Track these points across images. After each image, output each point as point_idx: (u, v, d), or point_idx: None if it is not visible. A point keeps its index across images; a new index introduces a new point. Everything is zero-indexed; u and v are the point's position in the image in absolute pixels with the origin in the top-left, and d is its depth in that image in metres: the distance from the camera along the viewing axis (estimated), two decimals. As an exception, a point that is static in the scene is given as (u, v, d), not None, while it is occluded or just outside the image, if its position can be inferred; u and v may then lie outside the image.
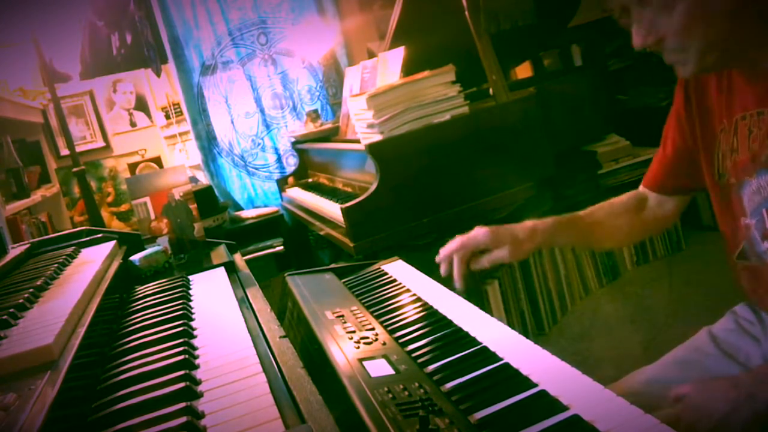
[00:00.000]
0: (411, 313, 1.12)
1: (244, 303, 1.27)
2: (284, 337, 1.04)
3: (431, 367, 0.90)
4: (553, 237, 1.16)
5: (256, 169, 3.66)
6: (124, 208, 3.81)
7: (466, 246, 1.13)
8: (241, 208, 3.58)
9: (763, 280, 1.02)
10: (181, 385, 0.85)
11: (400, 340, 1.01)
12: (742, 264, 1.04)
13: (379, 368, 0.90)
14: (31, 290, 1.13)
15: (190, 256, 1.78)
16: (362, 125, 2.17)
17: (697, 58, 0.90)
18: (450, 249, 1.15)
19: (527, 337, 0.95)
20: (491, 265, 1.13)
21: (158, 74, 3.67)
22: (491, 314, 1.13)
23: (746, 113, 0.96)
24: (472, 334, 0.99)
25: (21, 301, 1.07)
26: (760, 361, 1.04)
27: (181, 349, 0.98)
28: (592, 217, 1.23)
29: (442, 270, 1.15)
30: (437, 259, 1.18)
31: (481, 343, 0.94)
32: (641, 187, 1.24)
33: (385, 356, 0.94)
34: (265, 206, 3.56)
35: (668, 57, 0.93)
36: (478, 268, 1.14)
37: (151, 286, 1.46)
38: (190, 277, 1.52)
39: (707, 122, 1.05)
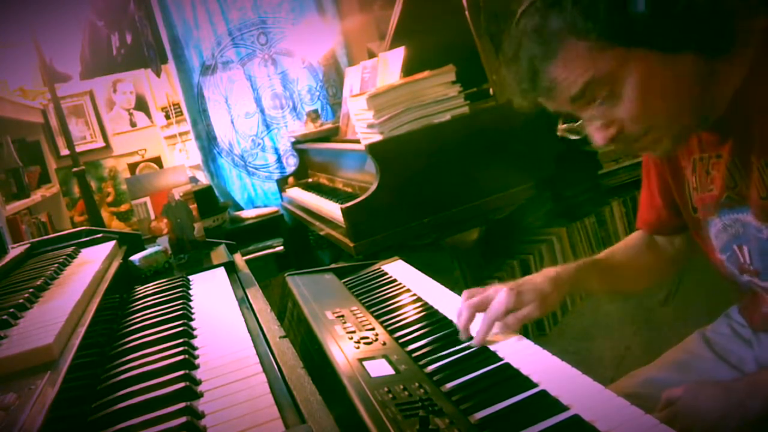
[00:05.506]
0: (411, 313, 1.13)
1: (244, 303, 1.27)
2: (284, 337, 1.04)
3: (431, 367, 0.90)
4: (578, 283, 1.08)
5: (256, 169, 3.66)
6: (124, 208, 3.81)
7: (493, 316, 0.97)
8: (241, 208, 3.58)
9: (752, 306, 1.02)
10: (181, 385, 0.85)
11: (400, 340, 1.01)
12: (734, 289, 1.04)
13: (379, 368, 0.90)
14: (31, 290, 1.13)
15: (190, 256, 1.78)
16: (362, 125, 2.17)
17: (666, 130, 0.86)
18: (487, 319, 0.97)
19: (527, 338, 0.95)
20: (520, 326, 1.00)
21: (158, 74, 3.67)
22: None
23: (703, 155, 0.95)
24: (473, 333, 0.99)
25: (21, 301, 1.07)
26: (752, 364, 1.03)
27: (181, 349, 0.98)
28: (612, 259, 1.17)
29: (463, 335, 0.99)
30: (458, 321, 1.00)
31: (481, 343, 0.95)
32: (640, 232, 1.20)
33: (385, 356, 0.94)
34: (265, 206, 3.56)
35: (637, 145, 0.88)
36: (508, 333, 0.98)
37: (151, 286, 1.46)
38: (190, 277, 1.52)
39: (673, 159, 1.04)
